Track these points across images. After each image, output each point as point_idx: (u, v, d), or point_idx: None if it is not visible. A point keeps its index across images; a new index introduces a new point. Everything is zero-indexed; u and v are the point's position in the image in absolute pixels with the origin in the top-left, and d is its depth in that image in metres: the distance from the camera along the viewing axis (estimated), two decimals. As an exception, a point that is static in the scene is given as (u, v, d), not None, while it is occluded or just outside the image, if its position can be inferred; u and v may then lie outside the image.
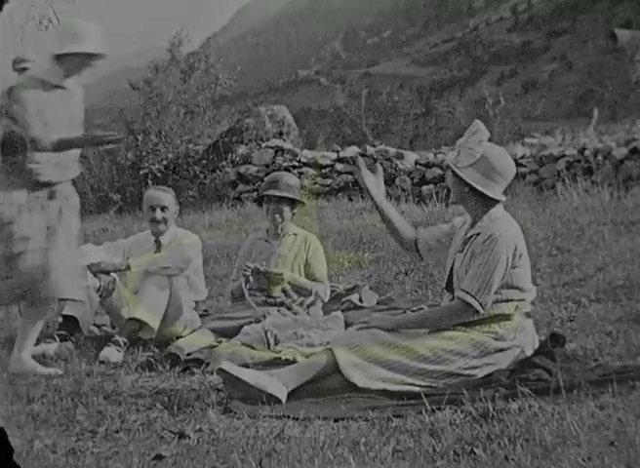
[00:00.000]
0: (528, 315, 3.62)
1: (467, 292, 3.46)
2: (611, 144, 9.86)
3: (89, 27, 4.14)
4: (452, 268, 3.68)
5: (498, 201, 3.61)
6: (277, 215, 4.98)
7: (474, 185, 3.55)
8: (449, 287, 3.67)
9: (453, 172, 3.63)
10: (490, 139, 3.65)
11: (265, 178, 5.44)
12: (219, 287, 6.06)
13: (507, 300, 3.53)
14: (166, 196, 4.92)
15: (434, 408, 3.09)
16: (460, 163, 3.60)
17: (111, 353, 4.27)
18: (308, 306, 4.80)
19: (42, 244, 4.00)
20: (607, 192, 8.44)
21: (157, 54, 15.68)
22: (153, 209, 4.90)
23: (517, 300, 3.55)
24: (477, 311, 3.47)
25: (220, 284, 6.16)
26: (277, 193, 4.94)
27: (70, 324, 4.56)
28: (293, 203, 5.02)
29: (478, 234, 3.57)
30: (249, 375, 3.38)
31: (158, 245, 4.94)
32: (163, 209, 4.89)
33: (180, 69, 14.88)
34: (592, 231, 6.58)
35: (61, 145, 4.08)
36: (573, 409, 2.92)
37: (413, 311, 4.43)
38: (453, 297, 3.60)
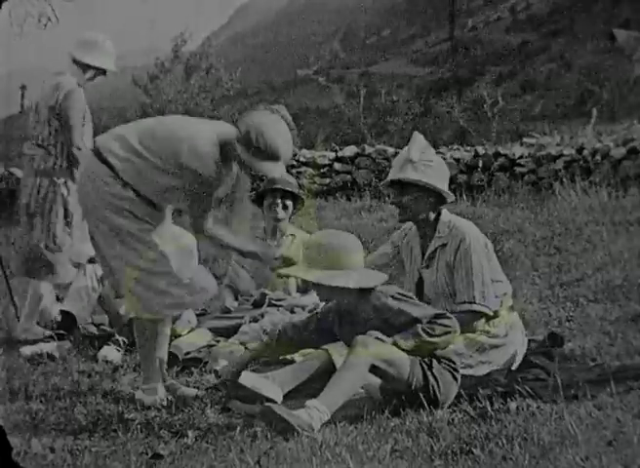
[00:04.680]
0: (512, 308, 3.68)
1: (472, 302, 3.51)
2: (609, 144, 9.85)
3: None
4: (418, 283, 3.72)
5: (442, 205, 3.65)
6: (281, 209, 4.91)
7: (446, 194, 3.59)
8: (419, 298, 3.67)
9: (420, 188, 3.62)
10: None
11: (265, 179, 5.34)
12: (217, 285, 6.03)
13: (496, 297, 3.56)
14: None
15: (432, 407, 3.09)
16: (427, 177, 3.61)
17: (110, 352, 4.27)
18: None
19: None
20: (605, 192, 8.44)
21: (156, 53, 15.66)
22: None
23: (502, 295, 3.60)
24: (487, 315, 3.53)
25: (218, 283, 6.12)
26: (281, 186, 4.89)
27: (68, 322, 4.55)
28: (295, 200, 4.97)
29: (444, 245, 3.61)
30: (244, 378, 3.37)
31: None
32: None
33: (183, 68, 14.83)
34: (590, 231, 6.59)
35: None
36: (571, 409, 2.93)
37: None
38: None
